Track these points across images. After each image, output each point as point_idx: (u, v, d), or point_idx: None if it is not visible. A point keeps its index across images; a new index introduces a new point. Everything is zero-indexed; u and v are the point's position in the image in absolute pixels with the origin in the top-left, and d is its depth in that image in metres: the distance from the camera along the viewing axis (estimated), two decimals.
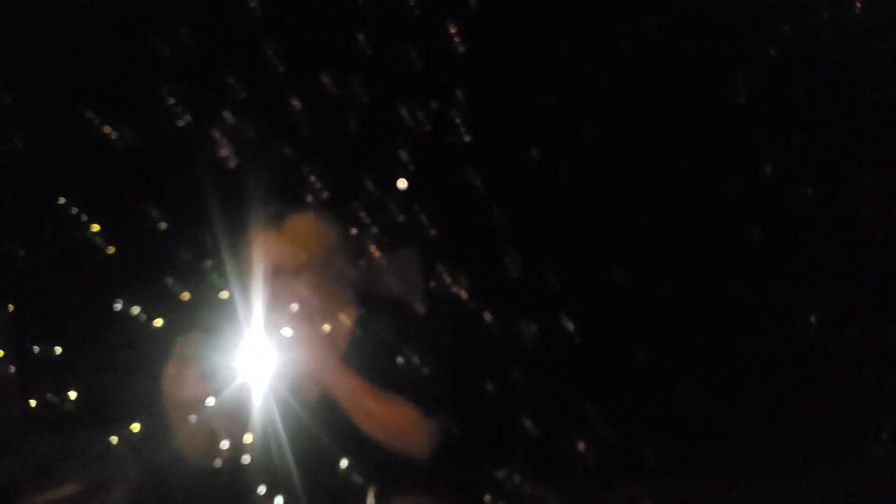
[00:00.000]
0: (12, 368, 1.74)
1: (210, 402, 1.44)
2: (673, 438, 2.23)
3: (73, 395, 1.58)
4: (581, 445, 1.84)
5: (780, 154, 2.30)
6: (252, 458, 1.48)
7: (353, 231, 1.71)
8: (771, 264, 2.36)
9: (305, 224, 1.66)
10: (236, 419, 1.49)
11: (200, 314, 1.49)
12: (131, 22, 2.02)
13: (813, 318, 2.29)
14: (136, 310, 1.47)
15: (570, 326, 1.84)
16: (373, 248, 1.75)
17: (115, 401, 1.62)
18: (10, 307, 1.61)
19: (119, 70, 1.99)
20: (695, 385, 2.28)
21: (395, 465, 1.60)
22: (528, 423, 1.90)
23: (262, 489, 1.52)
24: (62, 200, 1.73)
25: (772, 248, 2.29)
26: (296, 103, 1.84)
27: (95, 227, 1.68)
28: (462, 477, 1.74)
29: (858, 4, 2.21)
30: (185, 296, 1.56)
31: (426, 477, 1.64)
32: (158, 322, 1.59)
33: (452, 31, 1.70)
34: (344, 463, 1.54)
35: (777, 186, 2.31)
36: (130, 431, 1.50)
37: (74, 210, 1.72)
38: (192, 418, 1.46)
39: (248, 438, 1.45)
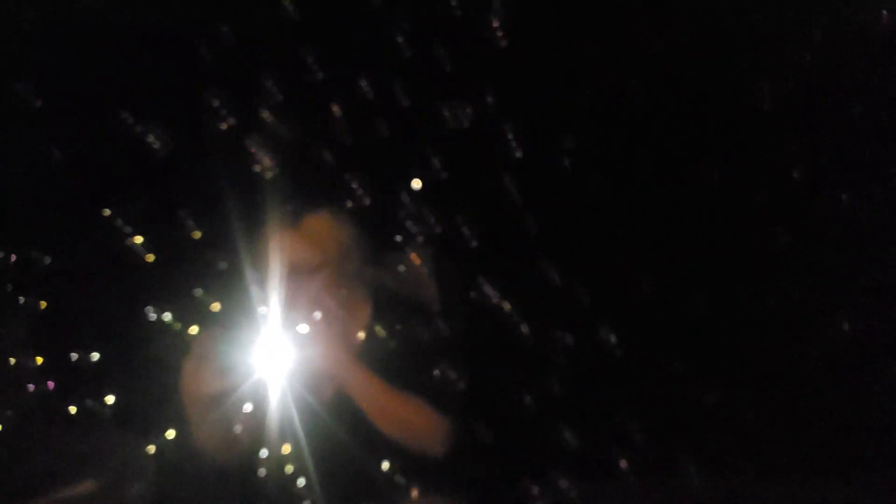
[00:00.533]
0: (36, 361, 1.77)
1: (228, 398, 1.46)
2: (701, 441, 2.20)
3: (109, 399, 1.59)
4: (593, 447, 1.82)
5: (811, 160, 2.27)
6: (269, 455, 1.48)
7: (398, 238, 1.71)
8: (801, 270, 2.32)
9: (324, 224, 1.67)
10: (253, 416, 1.50)
11: (219, 312, 1.51)
12: (164, 27, 2.06)
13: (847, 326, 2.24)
14: (162, 315, 1.49)
15: (605, 334, 1.82)
16: (413, 256, 1.76)
17: (134, 400, 1.64)
18: (42, 304, 1.63)
19: (154, 74, 2.03)
20: (726, 391, 2.24)
21: (410, 464, 1.60)
22: (545, 427, 1.88)
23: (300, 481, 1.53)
24: (107, 212, 1.75)
25: (801, 254, 2.26)
26: (327, 106, 1.85)
27: (138, 239, 1.71)
28: (476, 478, 1.73)
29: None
30: (216, 306, 1.58)
31: (440, 476, 1.63)
32: (179, 325, 1.61)
33: (495, 25, 1.70)
34: (368, 462, 1.55)
35: (809, 192, 2.28)
36: (152, 432, 1.51)
37: (118, 221, 1.74)
38: (211, 414, 1.48)
39: (286, 448, 1.46)
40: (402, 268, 1.72)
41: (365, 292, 1.74)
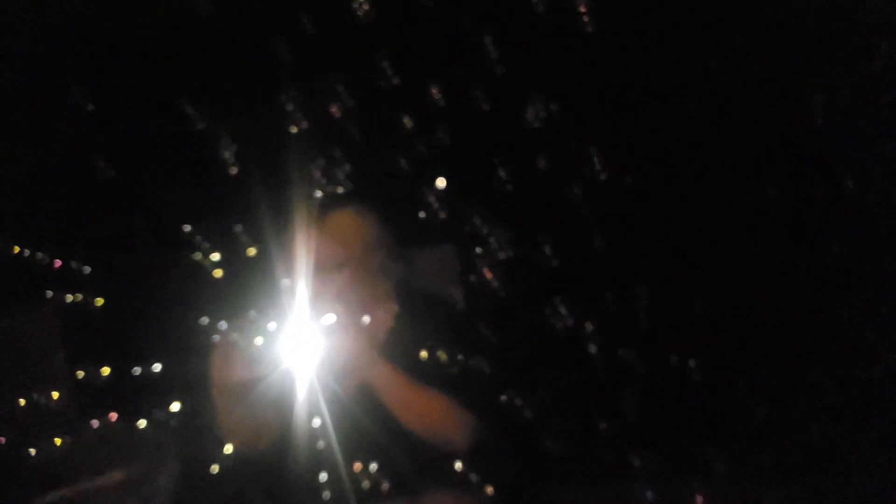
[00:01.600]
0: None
1: (253, 387, 1.46)
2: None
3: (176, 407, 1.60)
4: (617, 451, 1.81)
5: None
6: (290, 445, 1.49)
7: (478, 250, 1.70)
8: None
9: (352, 219, 1.68)
10: (277, 407, 1.50)
11: (246, 301, 1.52)
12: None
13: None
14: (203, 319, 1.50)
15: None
16: (486, 271, 1.76)
17: (159, 387, 1.64)
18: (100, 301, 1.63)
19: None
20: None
21: (431, 458, 1.60)
22: (569, 427, 1.87)
23: (322, 476, 1.53)
24: (188, 228, 1.76)
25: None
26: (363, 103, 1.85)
27: (215, 257, 1.72)
28: (498, 476, 1.72)
29: None
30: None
31: (460, 473, 1.63)
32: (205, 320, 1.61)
33: (583, 7, 1.67)
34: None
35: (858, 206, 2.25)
36: (173, 417, 1.52)
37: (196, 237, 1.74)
38: (236, 403, 1.49)
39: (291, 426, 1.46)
40: (428, 264, 1.72)
41: (391, 288, 1.74)
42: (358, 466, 1.56)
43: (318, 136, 1.85)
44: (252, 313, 1.49)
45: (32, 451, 1.62)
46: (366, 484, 1.56)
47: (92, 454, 1.67)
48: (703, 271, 2.21)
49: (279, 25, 1.88)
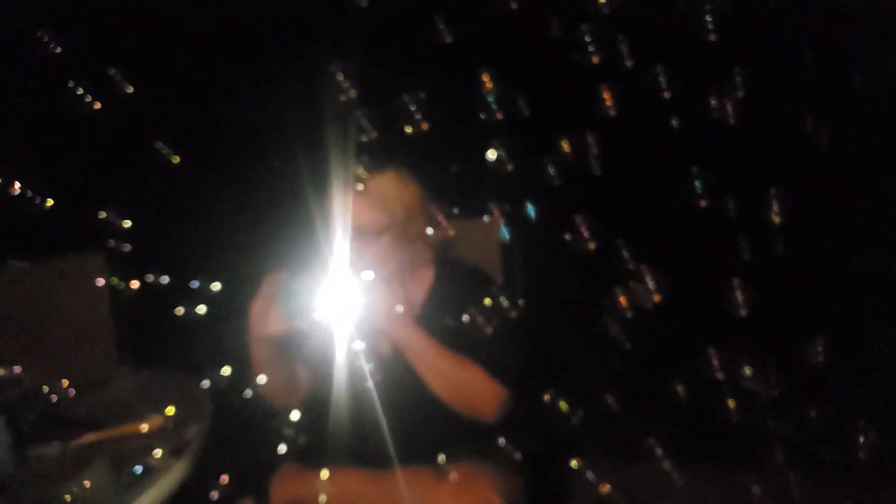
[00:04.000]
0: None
1: (291, 342, 1.47)
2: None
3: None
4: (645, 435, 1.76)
5: None
6: (324, 400, 1.50)
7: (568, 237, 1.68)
8: None
9: (395, 183, 1.67)
10: (314, 361, 1.51)
11: (286, 255, 1.53)
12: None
13: None
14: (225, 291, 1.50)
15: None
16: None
17: (195, 341, 1.67)
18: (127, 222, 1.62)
19: None
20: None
21: (459, 428, 1.59)
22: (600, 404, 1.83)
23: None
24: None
25: None
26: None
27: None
28: (527, 450, 1.70)
29: None
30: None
31: (488, 443, 1.61)
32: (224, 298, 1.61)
33: None
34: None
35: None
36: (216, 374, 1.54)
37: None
38: (274, 356, 1.50)
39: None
40: (469, 234, 1.70)
41: (430, 255, 1.73)
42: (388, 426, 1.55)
43: (369, 102, 1.84)
44: (292, 269, 1.50)
45: (72, 392, 1.66)
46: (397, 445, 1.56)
47: (128, 401, 1.71)
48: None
49: None
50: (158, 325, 1.82)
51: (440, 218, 1.72)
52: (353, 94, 1.56)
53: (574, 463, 1.55)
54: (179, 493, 1.42)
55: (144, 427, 1.57)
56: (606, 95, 1.64)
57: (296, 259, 1.49)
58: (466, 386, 1.59)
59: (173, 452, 1.46)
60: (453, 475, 1.54)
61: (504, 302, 1.54)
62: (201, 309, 1.46)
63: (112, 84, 1.56)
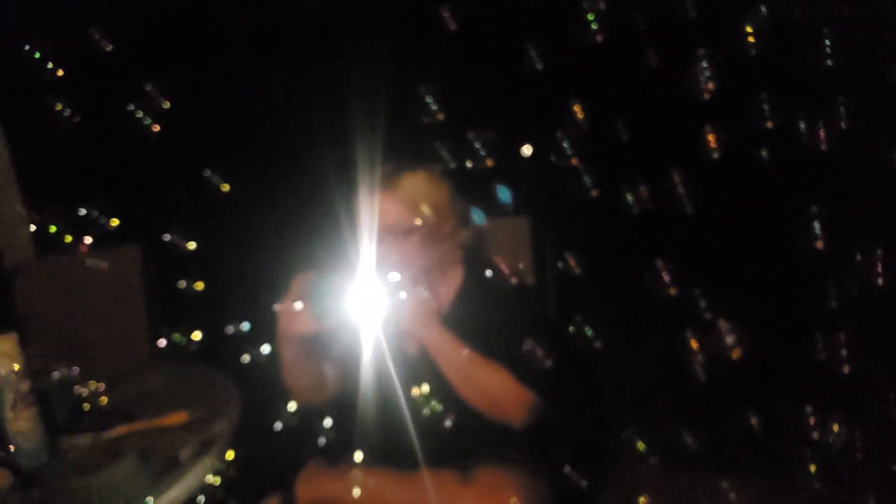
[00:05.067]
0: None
1: (319, 341, 1.47)
2: None
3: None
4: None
5: None
6: (351, 399, 1.50)
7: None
8: None
9: (426, 183, 1.65)
10: (341, 361, 1.51)
11: (315, 255, 1.53)
12: None
13: None
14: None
15: None
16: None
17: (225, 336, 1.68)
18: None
19: None
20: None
21: (486, 432, 1.57)
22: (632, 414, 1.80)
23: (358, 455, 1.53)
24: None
25: None
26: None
27: None
28: (555, 457, 1.68)
29: None
30: None
31: (516, 449, 1.59)
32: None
33: None
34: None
35: None
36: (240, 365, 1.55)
37: None
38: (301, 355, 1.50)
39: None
40: (500, 235, 1.67)
41: (460, 256, 1.72)
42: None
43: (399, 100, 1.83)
44: (321, 269, 1.50)
45: (103, 386, 1.69)
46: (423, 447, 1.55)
47: (160, 394, 1.73)
48: None
49: None
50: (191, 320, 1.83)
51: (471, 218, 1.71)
52: (441, 117, 1.54)
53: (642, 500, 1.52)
54: (206, 487, 1.43)
55: (174, 421, 1.59)
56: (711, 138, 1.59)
57: (324, 259, 1.49)
58: (494, 390, 1.57)
59: (202, 447, 1.48)
60: (479, 479, 1.53)
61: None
62: (245, 325, 1.47)
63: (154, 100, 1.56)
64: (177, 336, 1.53)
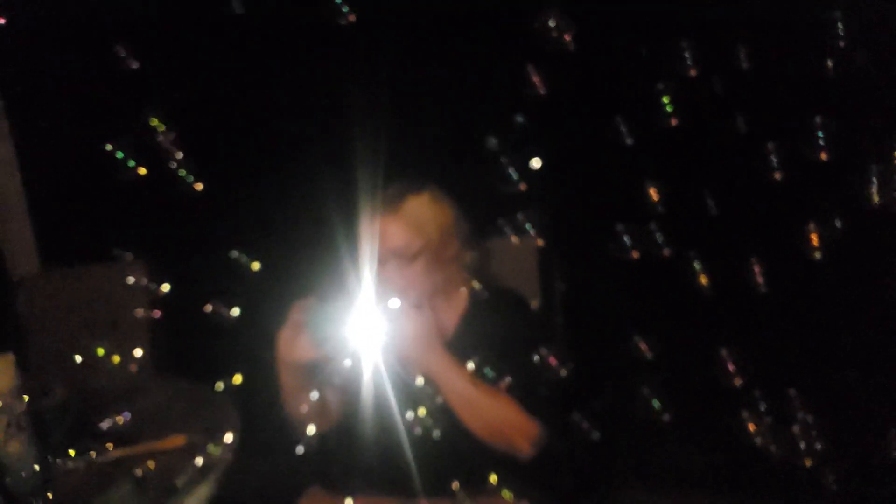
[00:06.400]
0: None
1: (319, 367, 1.44)
2: None
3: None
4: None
5: None
6: (353, 426, 1.46)
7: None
8: None
9: (430, 206, 1.62)
10: (342, 387, 1.48)
11: (315, 281, 1.50)
12: None
13: None
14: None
15: None
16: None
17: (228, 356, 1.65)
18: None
19: None
20: None
21: (489, 461, 1.53)
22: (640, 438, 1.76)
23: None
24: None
25: None
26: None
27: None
28: (562, 487, 1.64)
29: None
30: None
31: (520, 480, 1.55)
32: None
33: None
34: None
35: None
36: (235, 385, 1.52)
37: None
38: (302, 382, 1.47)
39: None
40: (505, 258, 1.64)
41: (465, 279, 1.68)
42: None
43: (402, 121, 1.80)
44: (322, 295, 1.47)
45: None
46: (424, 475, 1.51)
47: (157, 416, 1.70)
48: None
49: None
50: (190, 338, 1.81)
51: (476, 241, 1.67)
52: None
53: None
54: None
55: (171, 444, 1.55)
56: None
57: (325, 285, 1.46)
58: (499, 419, 1.53)
59: (199, 473, 1.44)
60: None
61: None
62: (235, 311, 1.43)
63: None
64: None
